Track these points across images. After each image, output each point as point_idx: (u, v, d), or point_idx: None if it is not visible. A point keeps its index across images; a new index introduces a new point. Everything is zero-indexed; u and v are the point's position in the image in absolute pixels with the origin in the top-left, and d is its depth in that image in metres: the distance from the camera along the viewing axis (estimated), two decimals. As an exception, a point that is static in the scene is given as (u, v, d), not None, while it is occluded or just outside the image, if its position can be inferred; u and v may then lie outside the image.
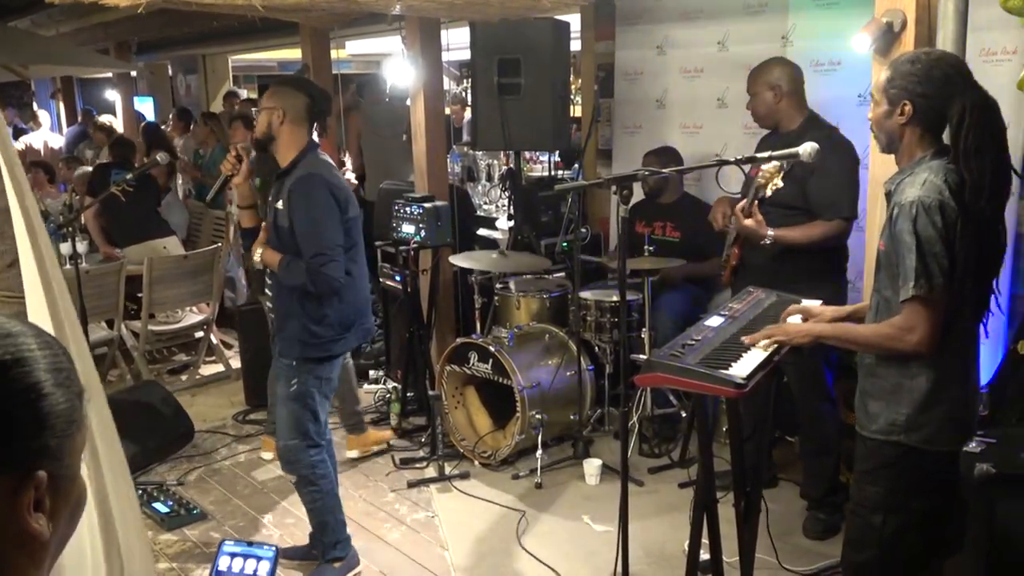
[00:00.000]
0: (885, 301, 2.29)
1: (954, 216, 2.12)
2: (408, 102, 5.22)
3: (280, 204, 3.11)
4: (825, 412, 3.61)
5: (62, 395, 0.83)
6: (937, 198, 2.12)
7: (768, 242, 3.38)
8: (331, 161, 3.25)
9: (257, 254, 3.16)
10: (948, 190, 2.13)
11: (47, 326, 2.66)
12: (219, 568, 0.95)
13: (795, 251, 3.43)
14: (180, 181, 8.19)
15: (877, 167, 3.01)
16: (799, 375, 3.59)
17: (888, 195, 2.32)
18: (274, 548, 0.95)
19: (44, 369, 0.82)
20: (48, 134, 10.77)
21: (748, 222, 3.38)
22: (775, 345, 2.39)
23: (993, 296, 2.31)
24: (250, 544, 0.97)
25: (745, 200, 3.41)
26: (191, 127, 8.93)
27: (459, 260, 4.64)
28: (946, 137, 2.27)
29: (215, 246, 5.74)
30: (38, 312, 2.55)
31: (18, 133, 10.89)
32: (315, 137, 3.26)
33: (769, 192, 3.27)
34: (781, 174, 3.23)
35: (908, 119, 2.22)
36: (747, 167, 3.35)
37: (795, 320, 2.53)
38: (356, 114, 6.98)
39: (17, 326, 0.84)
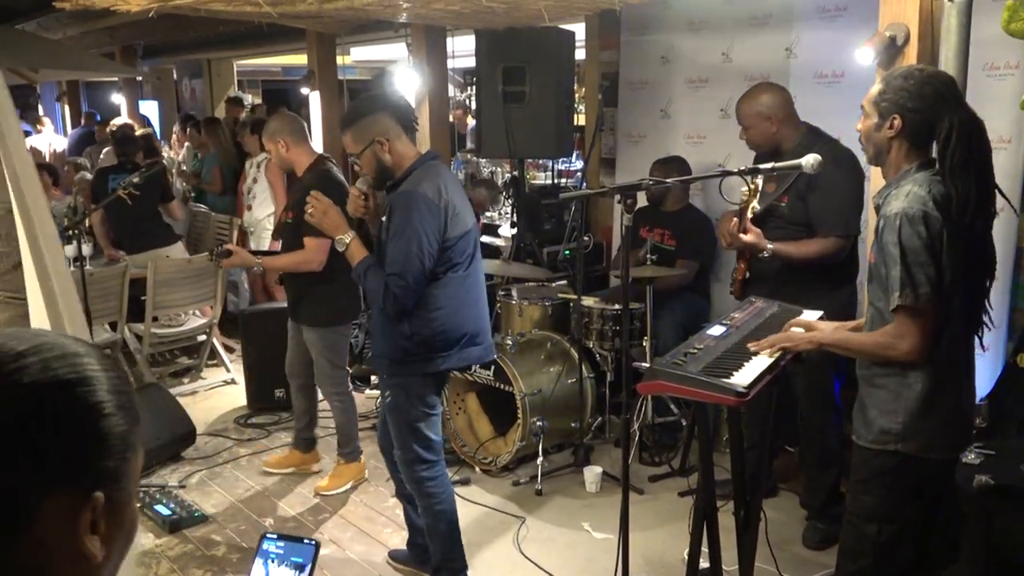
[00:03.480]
0: (878, 312, 2.32)
1: (939, 226, 2.15)
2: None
3: (385, 218, 2.95)
4: (830, 423, 3.61)
5: (121, 417, 0.83)
6: (921, 209, 2.15)
7: (767, 255, 3.39)
8: (445, 174, 3.01)
9: (348, 237, 2.96)
10: (932, 201, 2.16)
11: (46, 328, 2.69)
12: (263, 548, 0.95)
13: (797, 263, 3.44)
14: (178, 184, 8.21)
15: (877, 179, 3.03)
16: (808, 386, 3.59)
17: (877, 209, 2.36)
18: (315, 542, 0.95)
19: (106, 390, 0.82)
20: (52, 136, 10.81)
21: (746, 237, 3.40)
22: (780, 352, 2.42)
23: (986, 310, 2.34)
24: (292, 538, 0.98)
25: (737, 219, 3.43)
26: (187, 131, 8.96)
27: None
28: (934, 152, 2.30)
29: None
30: (38, 315, 2.59)
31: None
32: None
33: (750, 215, 3.29)
34: (756, 197, 3.26)
35: (896, 133, 2.25)
36: (747, 179, 3.37)
37: (798, 331, 2.55)
38: None
39: (81, 346, 0.84)
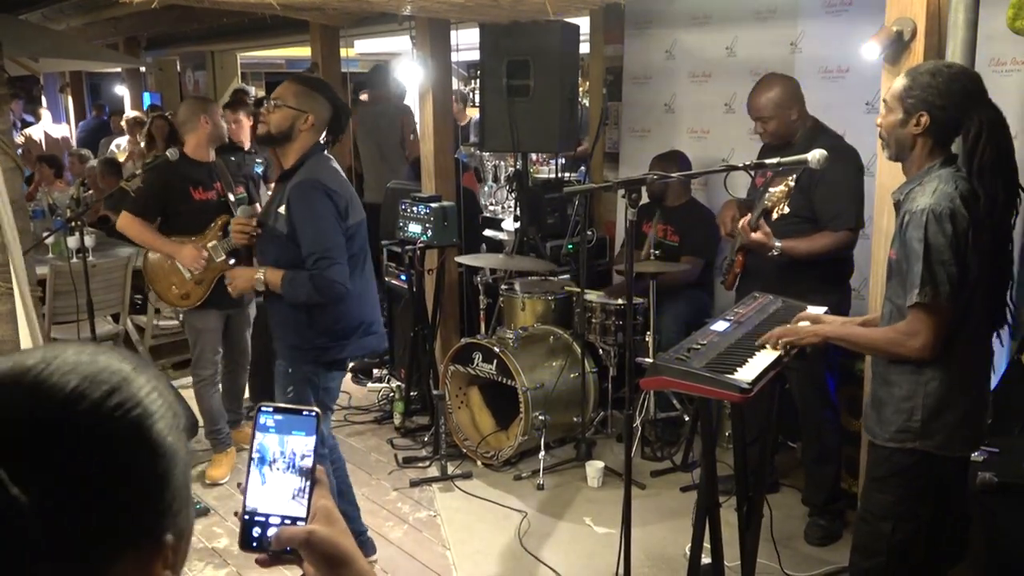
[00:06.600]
0: (897, 309, 2.30)
1: (965, 224, 2.13)
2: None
3: (282, 209, 2.99)
4: (827, 419, 3.61)
5: (178, 439, 0.74)
6: (948, 206, 2.14)
7: (776, 253, 3.38)
8: (335, 165, 3.13)
9: (260, 273, 3.03)
10: (960, 198, 2.15)
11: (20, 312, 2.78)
12: (260, 423, 0.90)
13: (800, 259, 3.43)
14: None
15: (884, 175, 3.02)
16: (801, 382, 3.59)
17: (897, 205, 2.34)
18: (315, 412, 0.90)
19: (161, 416, 0.72)
20: (49, 126, 10.75)
21: (756, 236, 3.37)
22: (786, 346, 2.41)
23: (1008, 308, 2.33)
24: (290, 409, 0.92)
25: (751, 214, 3.41)
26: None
27: (466, 259, 4.73)
28: (955, 148, 2.29)
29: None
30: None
31: (25, 127, 10.93)
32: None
33: (775, 216, 3.27)
34: (788, 199, 3.23)
35: (923, 129, 2.23)
36: (752, 173, 3.35)
37: (804, 325, 2.54)
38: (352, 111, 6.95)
39: (127, 365, 0.73)
